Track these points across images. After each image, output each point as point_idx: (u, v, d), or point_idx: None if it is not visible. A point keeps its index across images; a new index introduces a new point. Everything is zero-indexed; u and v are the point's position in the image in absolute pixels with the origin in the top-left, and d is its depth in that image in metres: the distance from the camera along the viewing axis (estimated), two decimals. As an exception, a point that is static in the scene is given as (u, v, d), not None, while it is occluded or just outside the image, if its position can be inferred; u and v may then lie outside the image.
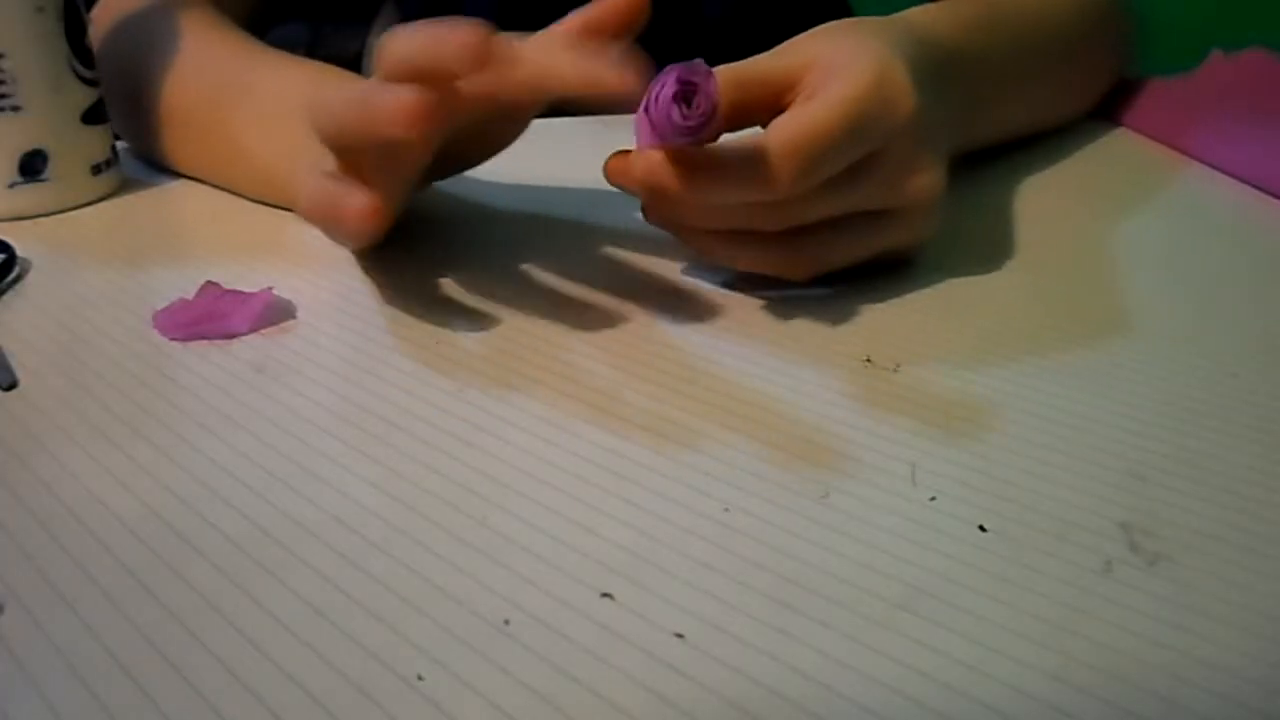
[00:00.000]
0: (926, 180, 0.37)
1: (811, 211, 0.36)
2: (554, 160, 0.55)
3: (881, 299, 0.39)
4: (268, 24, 0.65)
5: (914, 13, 0.45)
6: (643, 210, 0.39)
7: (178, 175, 0.56)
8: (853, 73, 0.35)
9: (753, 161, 0.34)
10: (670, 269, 0.42)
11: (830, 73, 0.36)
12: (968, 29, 0.47)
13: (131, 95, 0.55)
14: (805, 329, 0.37)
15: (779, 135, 0.34)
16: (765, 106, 0.37)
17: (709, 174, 0.34)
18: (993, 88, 0.48)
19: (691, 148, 0.34)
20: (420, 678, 0.21)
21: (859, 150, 0.35)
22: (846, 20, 0.39)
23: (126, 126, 0.58)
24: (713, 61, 0.36)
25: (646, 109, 0.33)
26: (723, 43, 0.70)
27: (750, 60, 0.38)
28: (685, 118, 0.32)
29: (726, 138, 0.35)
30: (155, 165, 0.57)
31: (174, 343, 0.36)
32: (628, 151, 0.37)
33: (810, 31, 0.39)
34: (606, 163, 0.38)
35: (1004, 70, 0.49)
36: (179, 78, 0.52)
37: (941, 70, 0.42)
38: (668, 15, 0.69)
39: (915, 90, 0.36)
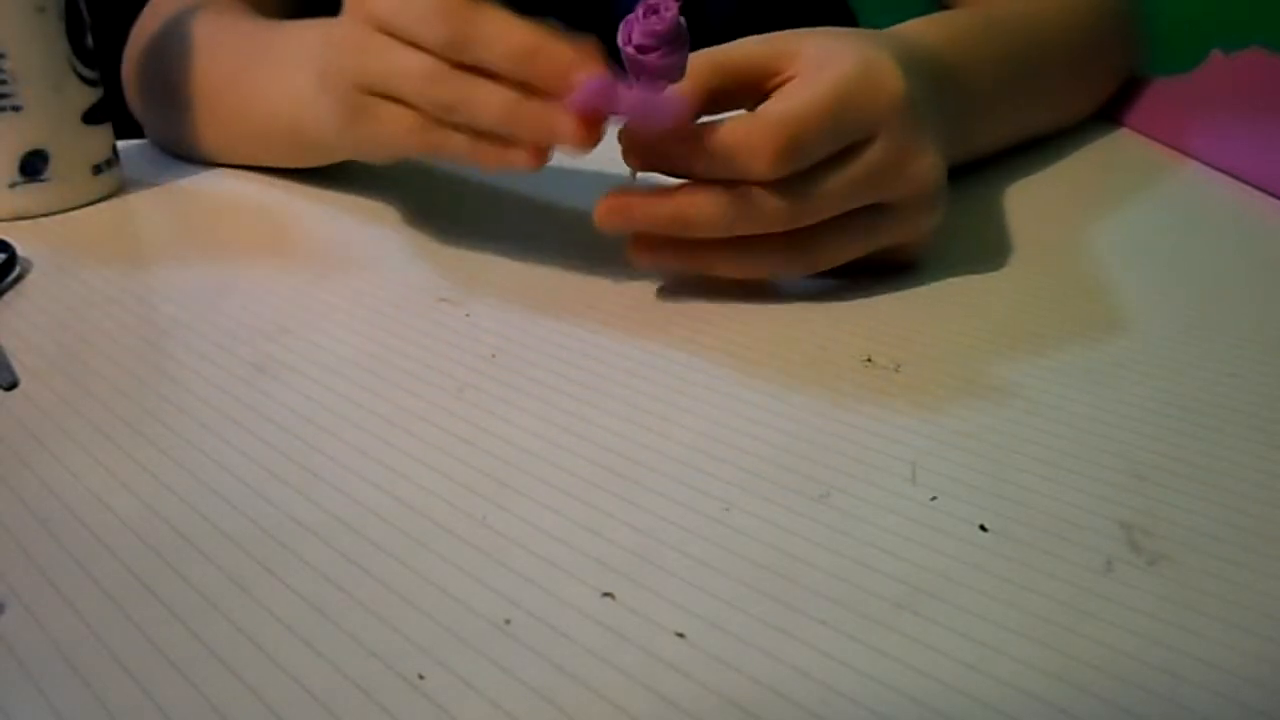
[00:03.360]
0: (922, 168, 0.37)
1: (810, 209, 0.36)
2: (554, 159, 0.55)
3: (881, 299, 0.39)
4: None
5: (909, 25, 0.45)
6: (630, 251, 0.38)
7: (178, 175, 0.56)
8: (838, 60, 0.36)
9: (736, 139, 0.34)
10: (670, 269, 0.41)
11: (816, 62, 0.36)
12: (964, 40, 0.47)
13: (168, 96, 0.55)
14: (805, 329, 0.37)
15: (764, 115, 0.34)
16: (749, 91, 0.38)
17: (695, 150, 0.35)
18: (991, 97, 0.48)
19: (678, 126, 0.34)
20: (421, 677, 0.21)
21: (845, 134, 0.36)
22: (837, 29, 0.40)
23: (168, 130, 0.59)
24: None
25: (625, 43, 0.33)
26: None
27: (736, 43, 0.38)
28: (659, 21, 0.32)
29: None
30: (198, 163, 0.57)
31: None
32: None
33: (801, 29, 0.39)
34: (596, 213, 0.36)
35: (1002, 80, 0.49)
36: (204, 67, 0.53)
37: (936, 78, 0.42)
38: None
39: (903, 76, 0.36)
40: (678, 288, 0.40)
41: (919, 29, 0.45)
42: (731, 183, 0.35)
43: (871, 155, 0.36)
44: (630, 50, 0.33)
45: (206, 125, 0.55)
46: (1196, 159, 0.55)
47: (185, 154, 0.58)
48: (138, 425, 0.31)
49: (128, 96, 0.60)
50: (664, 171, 0.36)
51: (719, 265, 0.38)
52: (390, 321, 0.38)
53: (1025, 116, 0.54)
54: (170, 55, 0.55)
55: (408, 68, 0.35)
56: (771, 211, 0.36)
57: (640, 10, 0.33)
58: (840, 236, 0.37)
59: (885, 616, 0.23)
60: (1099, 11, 0.58)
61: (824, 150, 0.35)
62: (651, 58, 0.33)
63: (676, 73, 0.34)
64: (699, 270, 0.39)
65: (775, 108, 0.35)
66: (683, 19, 0.33)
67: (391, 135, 0.38)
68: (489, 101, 0.34)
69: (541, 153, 0.35)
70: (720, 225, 0.36)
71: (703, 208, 0.35)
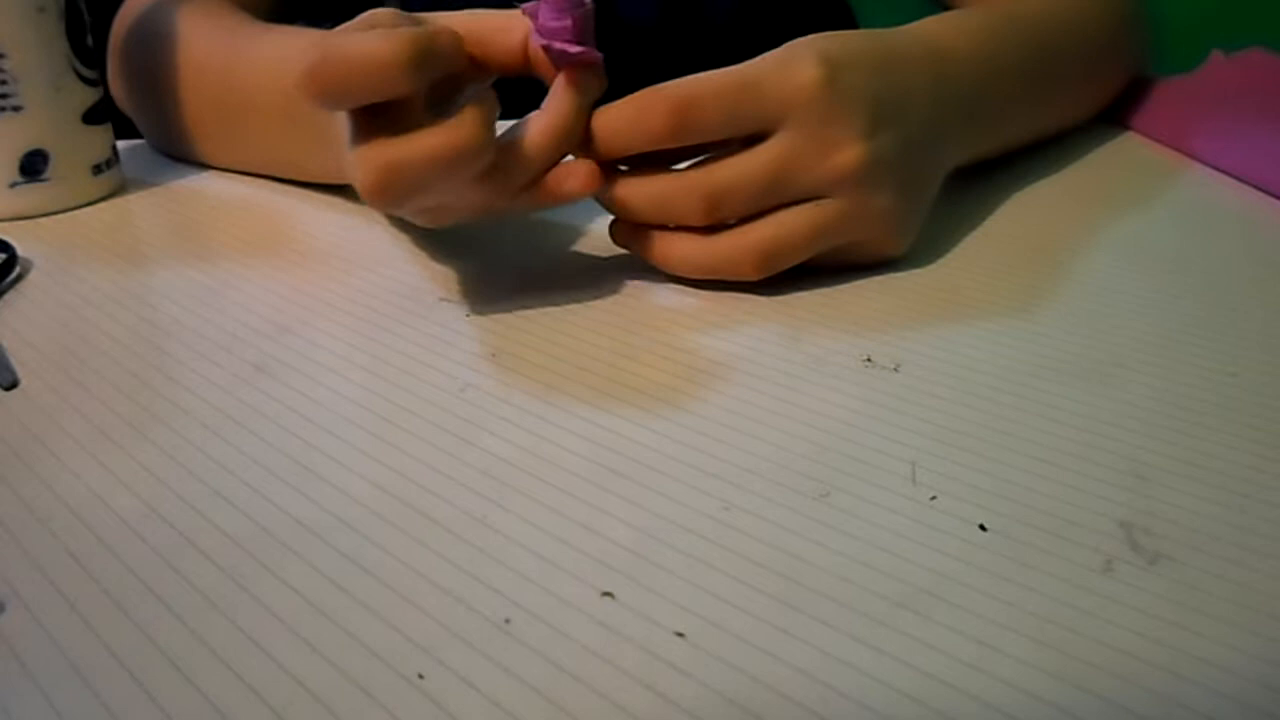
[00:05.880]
0: (845, 158, 0.37)
1: (724, 197, 0.37)
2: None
3: (881, 299, 0.39)
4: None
5: (917, 24, 0.45)
6: (610, 231, 0.40)
7: (178, 175, 0.56)
8: (764, 55, 0.38)
9: (634, 101, 0.36)
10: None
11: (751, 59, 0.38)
12: (979, 38, 0.47)
13: (153, 99, 0.55)
14: (805, 329, 0.37)
15: (663, 85, 0.36)
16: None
17: (602, 119, 0.36)
18: (1005, 98, 0.48)
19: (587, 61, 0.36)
20: (421, 676, 0.21)
21: (745, 118, 0.36)
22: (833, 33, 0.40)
23: (154, 131, 0.59)
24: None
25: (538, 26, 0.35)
26: (728, 47, 0.70)
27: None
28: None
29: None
30: (178, 160, 0.57)
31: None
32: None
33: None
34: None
35: (1018, 78, 0.49)
36: (192, 73, 0.53)
37: (943, 76, 0.42)
38: (673, 20, 0.69)
39: (820, 65, 0.36)
40: (679, 289, 0.40)
41: (931, 27, 0.45)
42: (655, 171, 0.38)
43: (777, 143, 0.37)
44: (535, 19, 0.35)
45: (203, 140, 0.55)
46: (1197, 159, 0.55)
47: (172, 151, 0.58)
48: (138, 425, 0.31)
49: (112, 90, 0.59)
50: (591, 154, 0.37)
51: (671, 258, 0.39)
52: (390, 321, 0.38)
53: (1042, 115, 0.54)
54: (153, 53, 0.55)
55: (444, 187, 0.34)
56: (686, 198, 0.37)
57: None
58: (778, 230, 0.38)
59: (885, 616, 0.23)
60: (1109, 10, 0.58)
61: (720, 126, 0.36)
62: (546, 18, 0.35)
63: (566, 33, 0.35)
64: (658, 262, 0.40)
65: (678, 81, 0.36)
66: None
67: (435, 220, 0.38)
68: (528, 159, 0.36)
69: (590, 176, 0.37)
70: (644, 208, 0.38)
71: (630, 188, 0.38)
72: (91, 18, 0.51)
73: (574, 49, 0.35)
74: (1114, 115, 0.62)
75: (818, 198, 0.38)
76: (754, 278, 0.39)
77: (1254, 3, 0.55)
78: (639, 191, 0.38)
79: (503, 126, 0.35)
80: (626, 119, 0.36)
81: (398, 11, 0.37)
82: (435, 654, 0.22)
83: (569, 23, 0.35)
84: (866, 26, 0.75)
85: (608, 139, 0.37)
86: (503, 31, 0.37)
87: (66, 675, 0.22)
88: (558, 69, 0.36)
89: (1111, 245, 0.44)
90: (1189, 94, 0.58)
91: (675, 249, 0.39)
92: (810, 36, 0.38)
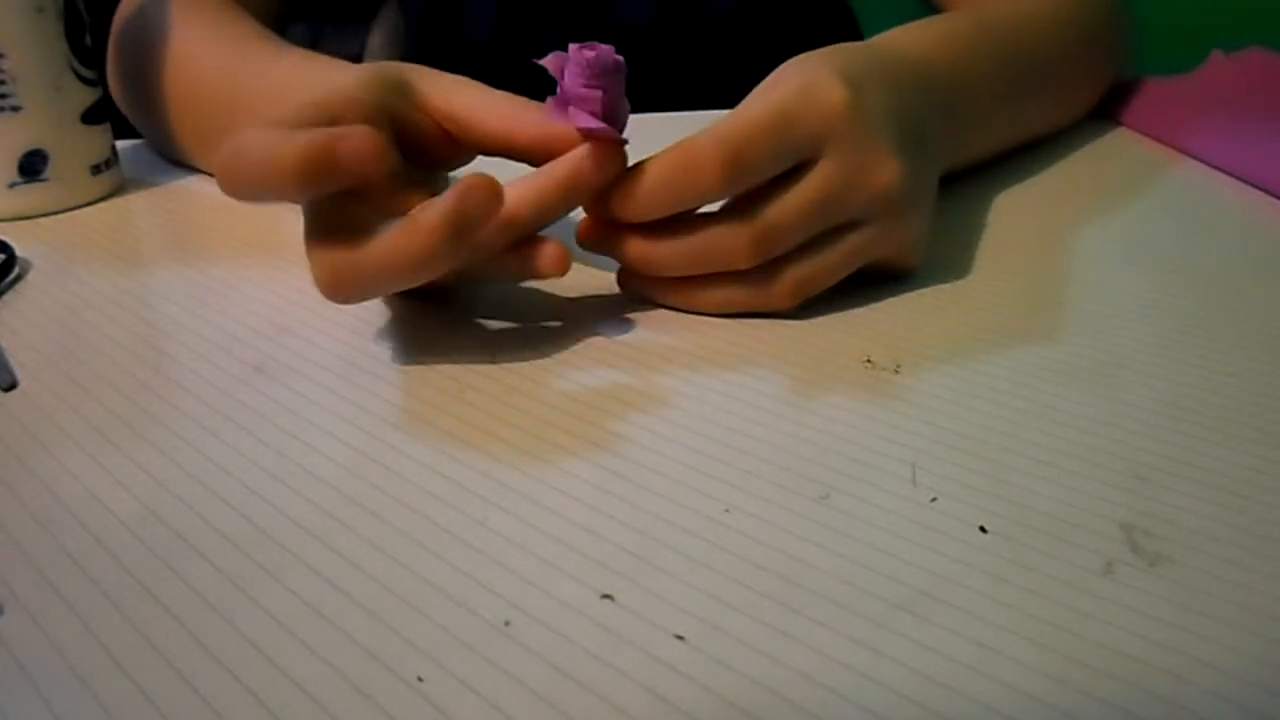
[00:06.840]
0: (881, 177, 0.36)
1: (773, 236, 0.35)
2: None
3: (881, 299, 0.39)
4: (279, 27, 0.65)
5: (895, 33, 0.45)
6: (618, 279, 0.39)
7: (177, 175, 0.56)
8: (782, 80, 0.36)
9: (678, 158, 0.34)
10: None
11: (765, 86, 0.37)
12: (954, 46, 0.47)
13: (148, 104, 0.55)
14: (805, 329, 0.37)
15: (706, 133, 0.34)
16: None
17: (641, 181, 0.34)
18: (984, 102, 0.48)
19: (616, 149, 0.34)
20: (420, 679, 0.21)
21: (789, 150, 0.35)
22: (816, 51, 0.39)
23: (150, 134, 0.58)
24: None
25: (562, 88, 0.34)
26: (728, 46, 0.70)
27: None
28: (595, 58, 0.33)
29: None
30: (176, 163, 0.57)
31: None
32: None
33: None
34: (577, 230, 0.37)
35: (995, 85, 0.49)
36: (193, 83, 0.52)
37: (922, 86, 0.42)
38: (674, 19, 0.69)
39: (845, 86, 0.36)
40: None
41: (906, 38, 0.45)
42: (691, 221, 0.36)
43: (822, 171, 0.35)
44: (564, 82, 0.34)
45: (195, 145, 0.55)
46: (1196, 158, 0.55)
47: (168, 155, 0.58)
48: (137, 426, 0.31)
49: (111, 89, 0.59)
50: (625, 218, 0.35)
51: (697, 301, 0.38)
52: (389, 322, 0.38)
53: (1019, 121, 0.54)
54: (150, 55, 0.54)
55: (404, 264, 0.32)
56: (734, 245, 0.35)
57: (578, 50, 0.33)
58: (814, 260, 0.37)
59: (885, 618, 0.23)
60: (1089, 14, 0.58)
61: (769, 165, 0.35)
62: (573, 83, 0.33)
63: (595, 103, 0.34)
64: (683, 306, 0.38)
65: (717, 126, 0.35)
66: (619, 60, 0.34)
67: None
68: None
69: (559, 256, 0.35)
70: (683, 263, 0.36)
71: (664, 246, 0.36)
72: (91, 18, 0.51)
73: (595, 125, 0.33)
74: (1114, 115, 0.62)
75: (855, 221, 0.37)
76: (789, 307, 0.37)
77: (1254, 3, 0.55)
78: (676, 248, 0.36)
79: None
80: (672, 177, 0.34)
81: (390, 64, 0.36)
82: (435, 656, 0.22)
83: (599, 93, 0.33)
84: (867, 25, 0.75)
85: (649, 201, 0.35)
86: (493, 115, 0.36)
87: (65, 677, 0.22)
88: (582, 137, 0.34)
89: (1111, 244, 0.44)
90: (1189, 93, 0.58)
91: (714, 294, 0.37)
92: (808, 56, 0.38)
